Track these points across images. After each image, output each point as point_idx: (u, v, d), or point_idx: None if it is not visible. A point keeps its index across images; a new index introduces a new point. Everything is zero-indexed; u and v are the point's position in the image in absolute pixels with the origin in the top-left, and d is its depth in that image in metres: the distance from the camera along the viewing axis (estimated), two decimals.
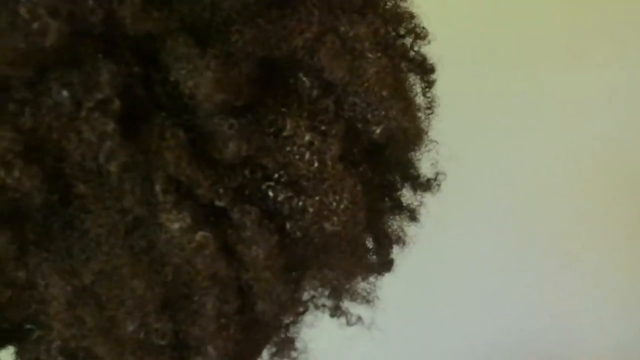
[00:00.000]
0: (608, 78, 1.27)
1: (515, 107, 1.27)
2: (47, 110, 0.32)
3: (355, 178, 0.38)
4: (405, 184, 0.47)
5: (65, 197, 0.34)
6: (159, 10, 0.32)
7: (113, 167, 0.32)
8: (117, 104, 0.32)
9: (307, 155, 0.36)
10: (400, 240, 0.47)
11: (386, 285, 0.47)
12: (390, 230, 0.47)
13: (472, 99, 1.21)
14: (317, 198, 0.36)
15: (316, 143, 0.36)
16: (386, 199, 0.46)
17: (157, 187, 0.33)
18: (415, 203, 0.47)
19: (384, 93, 0.38)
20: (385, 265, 0.47)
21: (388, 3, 0.44)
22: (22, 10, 0.31)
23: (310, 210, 0.36)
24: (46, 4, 0.31)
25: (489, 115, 1.26)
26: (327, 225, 0.36)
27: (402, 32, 0.45)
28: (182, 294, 0.35)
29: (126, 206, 0.34)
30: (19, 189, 0.32)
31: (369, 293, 0.46)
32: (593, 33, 1.26)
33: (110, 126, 0.32)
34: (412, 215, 0.47)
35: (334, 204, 0.36)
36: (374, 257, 0.46)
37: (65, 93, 0.32)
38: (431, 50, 0.47)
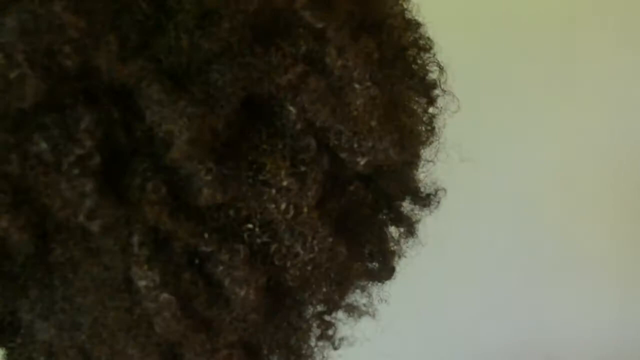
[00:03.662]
0: (611, 78, 1.26)
1: (513, 107, 1.26)
2: (30, 159, 0.31)
3: (329, 226, 0.37)
4: (406, 197, 0.47)
5: (46, 251, 0.34)
6: (135, 57, 0.32)
7: (94, 227, 0.32)
8: (97, 159, 0.31)
9: (282, 205, 0.35)
10: (398, 252, 0.47)
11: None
12: (390, 240, 0.46)
13: (471, 100, 1.20)
14: (287, 244, 0.36)
15: (293, 189, 0.35)
16: (385, 210, 0.45)
17: (135, 239, 0.33)
18: (415, 217, 0.47)
19: (372, 124, 0.37)
20: (385, 272, 0.46)
21: (392, 13, 0.42)
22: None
23: (281, 256, 0.36)
24: (23, 50, 0.30)
25: (486, 116, 1.23)
26: (293, 272, 0.36)
27: (405, 43, 0.44)
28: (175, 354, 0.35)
29: (108, 264, 0.33)
30: (6, 239, 0.32)
31: (368, 306, 0.46)
32: (595, 33, 1.25)
33: (89, 186, 0.31)
34: (410, 229, 0.47)
35: (302, 252, 0.36)
36: (375, 264, 0.45)
37: (44, 145, 0.31)
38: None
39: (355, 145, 0.37)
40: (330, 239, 0.37)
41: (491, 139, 1.24)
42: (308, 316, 0.41)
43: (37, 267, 0.34)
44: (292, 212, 0.36)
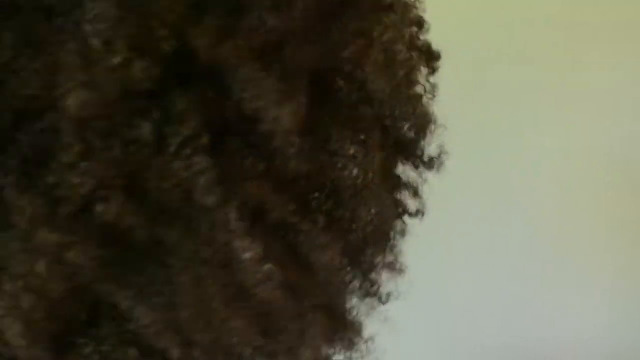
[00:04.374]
0: (609, 78, 1.30)
1: (512, 107, 1.29)
2: (136, 143, 0.32)
3: (389, 190, 0.40)
4: (405, 161, 0.50)
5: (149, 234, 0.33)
6: (228, 37, 0.33)
7: (209, 202, 0.32)
8: (205, 138, 0.32)
9: (354, 171, 0.37)
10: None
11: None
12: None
13: (470, 100, 1.21)
14: (353, 208, 0.38)
15: (359, 156, 0.38)
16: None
17: (232, 215, 0.33)
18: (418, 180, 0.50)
19: (411, 92, 0.40)
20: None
21: None
22: (95, 43, 0.30)
23: (348, 220, 0.38)
24: (122, 35, 0.30)
25: (486, 116, 1.28)
26: (359, 234, 0.39)
27: (408, 22, 0.46)
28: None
29: (208, 240, 0.34)
30: (118, 225, 0.32)
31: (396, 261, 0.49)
32: (595, 33, 1.28)
33: (204, 163, 0.32)
34: (415, 191, 0.50)
35: (366, 217, 0.39)
36: None
37: (149, 127, 0.31)
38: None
39: (397, 112, 0.40)
40: (388, 202, 0.40)
41: (489, 138, 1.28)
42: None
43: (140, 251, 0.34)
44: (361, 178, 0.38)
